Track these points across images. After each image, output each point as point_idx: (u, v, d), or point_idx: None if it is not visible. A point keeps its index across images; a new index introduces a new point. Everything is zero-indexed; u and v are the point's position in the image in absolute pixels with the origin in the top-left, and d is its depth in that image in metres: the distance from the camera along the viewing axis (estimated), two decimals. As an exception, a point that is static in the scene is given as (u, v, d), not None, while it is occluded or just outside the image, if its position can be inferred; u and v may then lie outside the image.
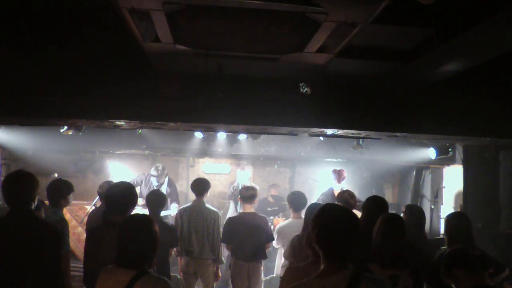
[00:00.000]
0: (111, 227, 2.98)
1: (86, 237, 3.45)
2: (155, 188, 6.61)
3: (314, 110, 4.73)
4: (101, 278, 2.43)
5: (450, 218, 3.79)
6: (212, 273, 5.12)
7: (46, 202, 4.37)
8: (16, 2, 3.32)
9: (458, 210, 6.54)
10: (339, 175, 6.39)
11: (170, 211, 6.62)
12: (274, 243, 5.08)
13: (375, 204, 3.85)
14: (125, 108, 4.64)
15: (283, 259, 4.58)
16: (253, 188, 5.20)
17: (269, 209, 7.60)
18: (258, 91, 4.72)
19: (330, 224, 2.02)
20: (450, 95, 4.86)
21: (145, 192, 6.40)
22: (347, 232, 2.02)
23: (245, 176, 7.15)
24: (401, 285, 2.85)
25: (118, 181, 3.83)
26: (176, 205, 6.69)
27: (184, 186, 9.04)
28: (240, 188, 6.64)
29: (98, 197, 5.39)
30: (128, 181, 4.94)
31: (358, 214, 3.96)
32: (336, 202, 6.19)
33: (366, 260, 2.88)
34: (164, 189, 6.73)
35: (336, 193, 6.00)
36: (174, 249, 4.88)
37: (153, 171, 6.86)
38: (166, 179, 6.98)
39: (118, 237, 2.43)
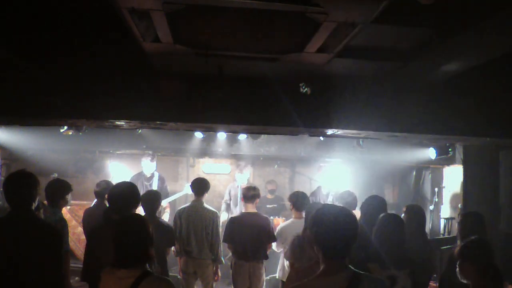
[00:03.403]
0: (112, 226, 2.98)
1: (87, 236, 3.46)
2: (145, 180, 6.61)
3: (314, 110, 4.73)
4: (102, 281, 2.44)
5: (465, 217, 3.81)
6: (212, 273, 5.12)
7: (45, 202, 4.37)
8: (16, 2, 3.32)
9: (458, 210, 6.55)
10: None
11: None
12: (275, 247, 5.07)
13: (374, 204, 3.85)
14: (125, 108, 4.63)
15: (285, 261, 4.57)
16: (254, 188, 5.20)
17: (268, 206, 7.57)
18: (258, 91, 4.72)
19: (328, 224, 2.02)
20: (450, 95, 4.86)
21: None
22: (345, 231, 2.01)
23: (244, 179, 7.15)
24: (400, 285, 2.85)
25: (120, 180, 3.85)
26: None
27: (184, 186, 9.03)
28: (239, 189, 6.67)
29: (99, 196, 5.39)
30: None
31: (358, 214, 3.97)
32: (332, 201, 6.22)
33: (365, 260, 2.88)
34: (155, 183, 6.67)
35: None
36: (173, 248, 4.88)
37: (144, 158, 6.69)
38: (157, 174, 6.82)
39: (113, 238, 2.44)
